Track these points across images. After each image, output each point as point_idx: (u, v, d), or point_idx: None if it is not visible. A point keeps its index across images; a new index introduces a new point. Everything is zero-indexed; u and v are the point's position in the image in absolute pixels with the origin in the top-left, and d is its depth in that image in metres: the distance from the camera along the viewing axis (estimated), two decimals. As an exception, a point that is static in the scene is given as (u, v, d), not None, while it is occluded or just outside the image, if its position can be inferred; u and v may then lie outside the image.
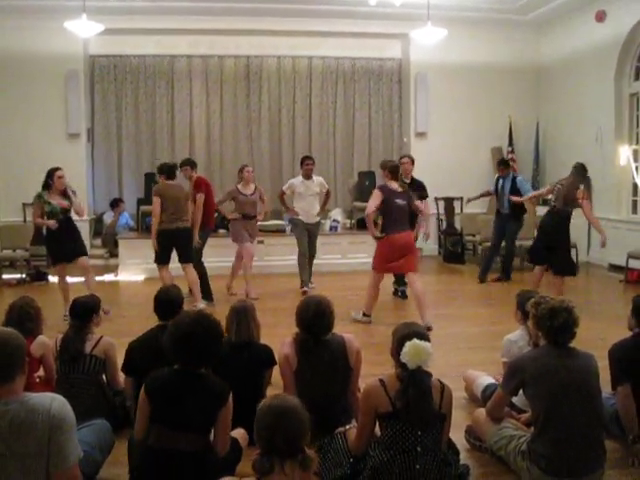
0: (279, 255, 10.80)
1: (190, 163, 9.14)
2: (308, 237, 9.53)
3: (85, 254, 8.21)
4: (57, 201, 7.75)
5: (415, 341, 3.38)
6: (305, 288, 9.23)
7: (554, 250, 8.28)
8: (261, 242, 11.11)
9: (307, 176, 9.50)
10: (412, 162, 9.28)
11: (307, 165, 9.48)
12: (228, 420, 3.44)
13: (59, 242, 7.84)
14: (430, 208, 9.34)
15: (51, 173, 7.82)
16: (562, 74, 13.01)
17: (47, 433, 2.67)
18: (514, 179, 10.43)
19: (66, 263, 7.98)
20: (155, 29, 12.55)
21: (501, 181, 10.51)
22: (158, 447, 3.28)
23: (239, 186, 9.33)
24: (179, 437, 3.27)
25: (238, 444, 3.77)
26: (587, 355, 3.76)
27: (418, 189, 8.86)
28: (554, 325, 3.70)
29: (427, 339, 3.47)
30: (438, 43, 11.13)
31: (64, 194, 7.86)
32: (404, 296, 9.09)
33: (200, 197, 8.66)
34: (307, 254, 9.49)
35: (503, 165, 10.72)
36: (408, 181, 8.91)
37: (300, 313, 4.23)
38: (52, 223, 7.67)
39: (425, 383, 3.43)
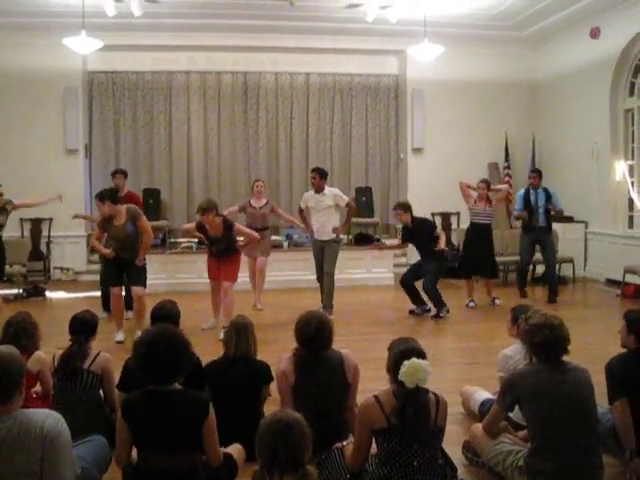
0: (277, 271, 10.79)
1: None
2: (323, 255, 9.00)
3: None
4: None
5: (414, 360, 3.37)
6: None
7: None
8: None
9: (316, 190, 9.00)
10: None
11: (311, 179, 9.06)
12: (213, 432, 3.37)
13: None
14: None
15: None
16: (558, 90, 13.08)
17: (40, 450, 2.66)
18: (546, 190, 10.14)
19: None
20: (153, 45, 12.63)
21: (533, 193, 10.14)
22: (147, 470, 3.24)
23: (252, 200, 9.49)
24: (165, 458, 3.22)
25: (233, 460, 3.74)
26: (580, 369, 3.77)
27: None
28: (534, 342, 3.73)
29: (424, 357, 3.47)
30: (435, 59, 11.18)
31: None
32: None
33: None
34: (319, 274, 9.10)
35: (537, 174, 10.35)
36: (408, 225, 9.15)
37: (300, 329, 4.24)
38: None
39: (422, 402, 3.43)
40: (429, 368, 3.40)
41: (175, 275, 10.99)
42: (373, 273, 11.66)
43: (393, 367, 3.47)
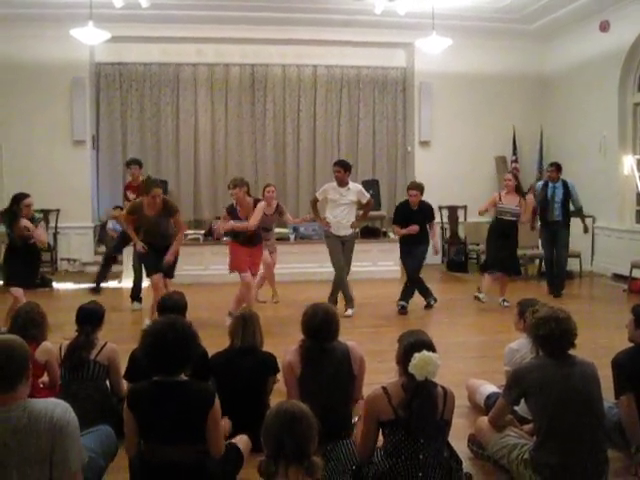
0: (283, 264, 10.80)
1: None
2: (342, 251, 8.75)
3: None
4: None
5: (424, 353, 3.38)
6: (349, 311, 8.65)
7: None
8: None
9: (340, 183, 8.67)
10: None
11: (335, 172, 8.69)
12: (218, 422, 3.37)
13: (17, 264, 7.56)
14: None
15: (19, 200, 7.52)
16: (566, 84, 13.04)
17: (50, 439, 2.68)
18: (565, 184, 9.96)
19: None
20: (161, 37, 12.61)
21: (551, 187, 9.95)
22: (153, 462, 3.24)
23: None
24: (172, 450, 3.22)
25: (239, 451, 3.76)
26: (586, 363, 3.76)
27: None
28: (540, 334, 3.72)
29: (434, 349, 3.48)
30: (443, 52, 11.15)
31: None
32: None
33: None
34: (344, 269, 8.74)
35: (555, 167, 10.04)
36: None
37: (307, 321, 4.25)
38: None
39: (431, 395, 3.44)
40: (439, 361, 3.40)
41: (182, 267, 10.97)
42: (379, 266, 11.65)
43: (403, 359, 3.48)
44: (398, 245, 9.16)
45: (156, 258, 7.73)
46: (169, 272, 7.90)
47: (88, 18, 9.83)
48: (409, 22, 12.00)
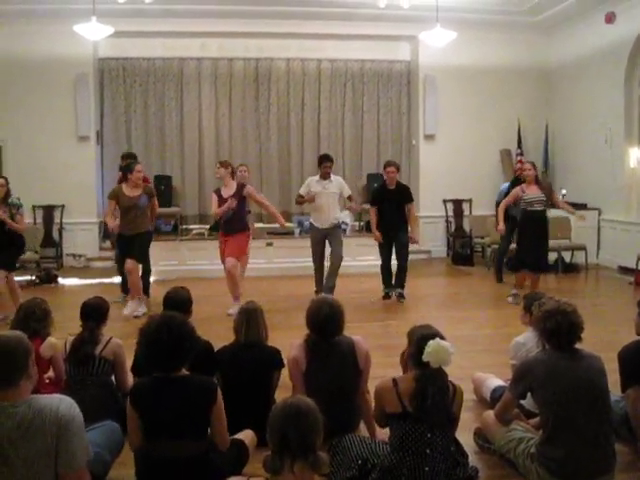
0: (287, 257, 10.79)
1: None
2: (328, 242, 9.01)
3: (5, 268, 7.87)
4: None
5: (438, 340, 3.41)
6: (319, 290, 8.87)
7: None
8: (270, 244, 11.16)
9: (325, 176, 8.97)
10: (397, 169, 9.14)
11: (325, 167, 8.93)
12: (222, 417, 3.39)
13: None
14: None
15: None
16: (571, 76, 12.98)
17: (55, 434, 2.69)
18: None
19: None
20: (164, 32, 12.58)
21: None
22: (157, 457, 3.24)
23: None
24: (175, 445, 3.23)
25: (244, 445, 3.75)
26: (593, 356, 3.75)
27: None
28: (546, 327, 3.71)
29: (444, 339, 3.49)
30: (447, 45, 11.11)
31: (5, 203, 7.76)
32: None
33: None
34: (319, 264, 9.06)
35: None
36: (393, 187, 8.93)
37: (311, 315, 4.23)
38: None
39: (443, 382, 3.47)
40: (452, 349, 3.42)
41: (187, 261, 11.01)
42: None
43: (415, 351, 3.48)
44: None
45: (127, 245, 8.19)
46: (133, 252, 8.17)
47: (91, 13, 9.81)
48: (413, 15, 11.95)
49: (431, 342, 3.40)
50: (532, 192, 8.74)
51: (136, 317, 7.76)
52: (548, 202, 8.88)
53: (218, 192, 8.31)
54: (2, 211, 7.61)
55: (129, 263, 8.07)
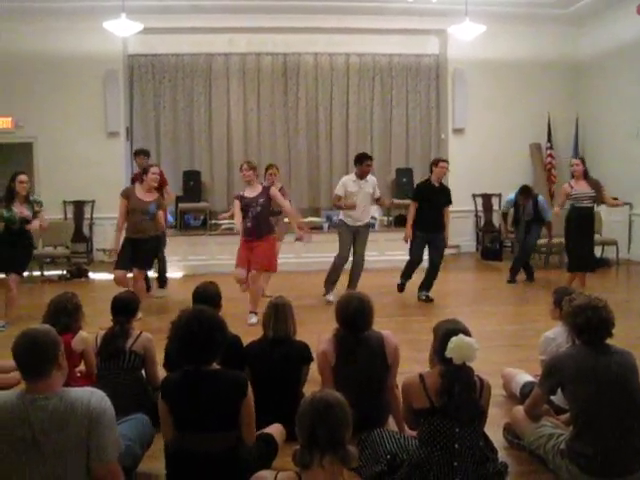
0: (317, 252, 10.79)
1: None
2: (353, 241, 8.74)
3: (18, 273, 7.62)
4: (19, 209, 7.37)
5: (461, 336, 3.39)
6: (328, 297, 8.71)
7: None
8: (299, 239, 11.14)
9: (362, 176, 8.62)
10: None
11: (367, 166, 8.59)
12: (251, 411, 3.39)
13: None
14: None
15: (13, 177, 7.44)
16: (601, 68, 12.83)
17: (86, 427, 2.71)
18: (536, 201, 10.01)
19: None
20: (192, 28, 12.64)
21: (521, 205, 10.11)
22: (187, 451, 3.26)
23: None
24: (207, 439, 3.24)
25: (274, 439, 3.76)
26: (624, 352, 3.70)
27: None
28: (577, 323, 3.67)
29: (470, 335, 3.48)
30: (476, 39, 11.05)
31: (27, 201, 7.52)
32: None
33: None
34: (344, 262, 8.76)
35: (525, 195, 10.06)
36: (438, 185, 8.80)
37: (341, 309, 4.23)
38: None
39: (469, 378, 3.45)
40: (476, 345, 3.40)
41: (216, 256, 11.04)
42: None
43: (439, 346, 3.47)
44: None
45: (132, 253, 7.80)
46: (141, 263, 7.93)
47: (120, 10, 9.89)
48: (441, 9, 11.92)
49: (454, 338, 3.38)
50: (581, 188, 8.60)
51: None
52: (597, 199, 8.70)
53: (241, 196, 7.85)
54: (24, 209, 7.44)
55: (134, 272, 7.84)
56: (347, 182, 8.66)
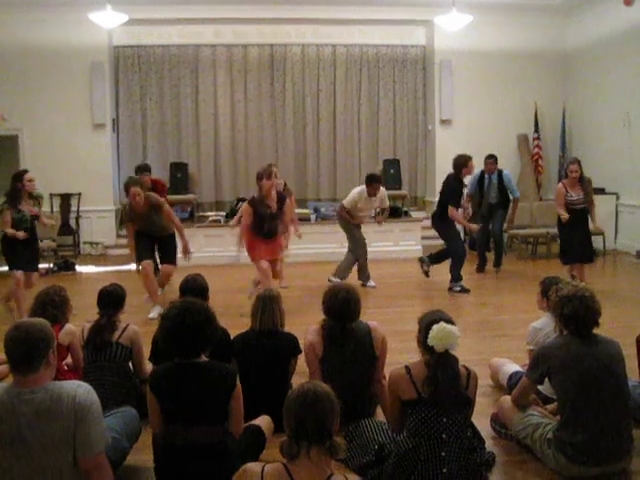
0: (304, 244, 10.77)
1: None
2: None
3: (37, 270, 7.66)
4: (26, 208, 7.32)
5: (442, 324, 3.40)
6: (370, 283, 9.09)
7: None
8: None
9: (373, 194, 8.90)
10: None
11: (374, 189, 8.86)
12: (240, 403, 3.40)
13: (18, 249, 7.26)
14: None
15: (18, 177, 7.33)
16: (589, 59, 12.83)
17: (73, 420, 2.71)
18: (500, 174, 10.22)
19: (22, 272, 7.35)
20: (179, 19, 12.58)
21: (487, 178, 10.29)
22: (176, 443, 3.26)
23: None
24: (195, 431, 3.24)
25: (261, 431, 3.77)
26: (611, 341, 3.73)
27: None
28: (564, 313, 3.69)
29: (453, 324, 3.47)
30: (463, 29, 11.05)
31: (30, 197, 7.50)
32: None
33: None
34: (365, 246, 9.11)
35: (493, 159, 10.32)
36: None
37: (328, 301, 4.24)
38: (22, 235, 7.09)
39: (453, 367, 3.45)
40: (458, 333, 3.41)
41: (203, 248, 11.01)
42: (401, 246, 11.62)
43: (423, 337, 3.48)
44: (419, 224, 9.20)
45: (150, 244, 7.73)
46: (168, 258, 7.84)
47: (106, 1, 9.84)
48: (428, -1, 11.90)
49: (435, 326, 3.40)
50: (576, 192, 8.62)
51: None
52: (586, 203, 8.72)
53: (255, 206, 7.66)
54: (31, 206, 7.43)
55: (169, 269, 7.77)
56: (359, 199, 8.96)
